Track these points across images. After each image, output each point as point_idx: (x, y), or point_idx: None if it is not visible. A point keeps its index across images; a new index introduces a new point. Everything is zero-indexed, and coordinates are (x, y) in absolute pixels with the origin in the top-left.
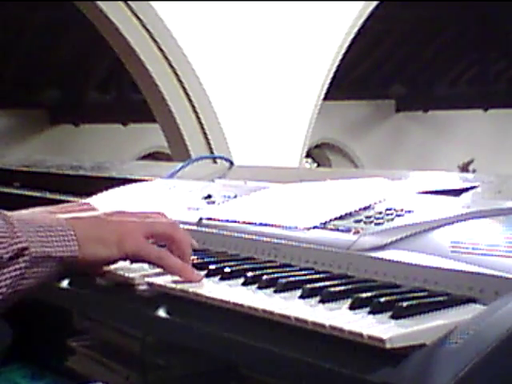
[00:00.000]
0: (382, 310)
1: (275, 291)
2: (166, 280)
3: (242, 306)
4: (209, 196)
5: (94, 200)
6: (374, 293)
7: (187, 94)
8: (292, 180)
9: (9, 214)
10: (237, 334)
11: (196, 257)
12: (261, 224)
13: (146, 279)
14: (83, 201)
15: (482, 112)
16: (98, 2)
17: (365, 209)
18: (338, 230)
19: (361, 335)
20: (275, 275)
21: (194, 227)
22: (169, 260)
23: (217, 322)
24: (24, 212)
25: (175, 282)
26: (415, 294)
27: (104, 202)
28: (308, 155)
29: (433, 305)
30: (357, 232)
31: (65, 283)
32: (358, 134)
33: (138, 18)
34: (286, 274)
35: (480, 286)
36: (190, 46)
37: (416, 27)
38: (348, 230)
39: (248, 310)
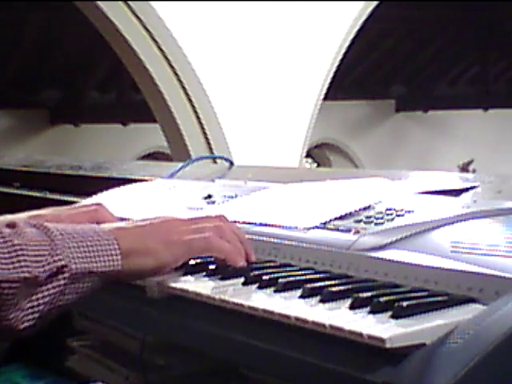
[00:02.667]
0: (382, 309)
1: (275, 291)
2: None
3: (242, 305)
4: (209, 196)
5: (94, 200)
6: (374, 293)
7: (187, 94)
8: (292, 180)
9: (51, 227)
10: (237, 334)
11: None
12: (261, 224)
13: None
14: (87, 200)
15: (482, 112)
16: (98, 2)
17: (365, 209)
18: (338, 229)
19: (361, 335)
20: (275, 275)
21: None
22: (218, 243)
23: (217, 321)
24: (65, 226)
25: (175, 281)
26: (415, 294)
27: (104, 202)
28: (308, 155)
29: (433, 305)
30: (357, 232)
31: None
32: (358, 133)
33: (138, 18)
34: (286, 273)
35: (480, 285)
36: (190, 46)
37: (416, 27)
38: (348, 230)
39: (248, 310)
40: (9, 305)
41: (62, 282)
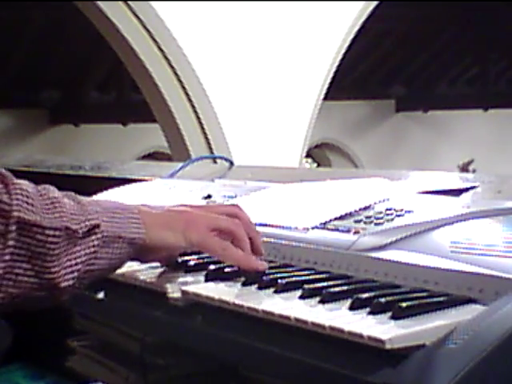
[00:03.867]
0: (382, 310)
1: (275, 291)
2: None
3: (241, 306)
4: (209, 196)
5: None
6: (374, 293)
7: (187, 94)
8: (292, 180)
9: (80, 197)
10: (237, 335)
11: (196, 257)
12: (261, 224)
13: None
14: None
15: (482, 112)
16: (98, 2)
17: (365, 209)
18: (337, 230)
19: (361, 336)
20: (275, 275)
21: None
22: (232, 251)
23: (217, 322)
24: (93, 199)
25: (172, 283)
26: (415, 295)
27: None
28: (308, 155)
29: (433, 305)
30: (357, 232)
31: None
32: (358, 134)
33: (138, 18)
34: (286, 274)
35: (480, 286)
36: (190, 46)
37: (416, 27)
38: (348, 230)
39: (248, 311)
40: (52, 255)
41: (96, 242)
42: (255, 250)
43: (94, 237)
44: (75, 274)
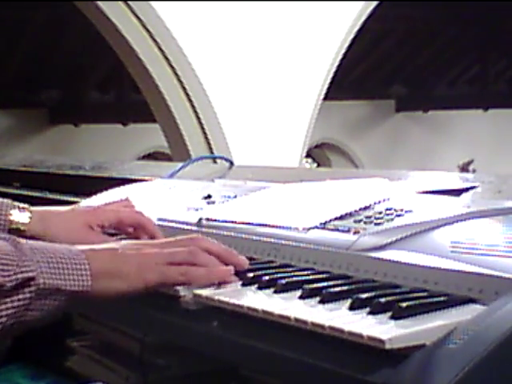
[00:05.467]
0: (382, 310)
1: (275, 291)
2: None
3: (241, 306)
4: (209, 196)
5: (93, 200)
6: (373, 293)
7: (187, 94)
8: (292, 180)
9: (22, 240)
10: (236, 335)
11: None
12: (261, 224)
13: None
14: (87, 201)
15: (481, 112)
16: (98, 2)
17: (365, 209)
18: (337, 230)
19: (361, 336)
20: (275, 275)
21: (194, 227)
22: (193, 272)
23: (217, 322)
24: (36, 242)
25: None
26: (415, 295)
27: (104, 202)
28: (308, 155)
29: (433, 305)
30: (357, 232)
31: None
32: (358, 133)
33: (138, 18)
34: (286, 274)
35: (480, 286)
36: (190, 46)
37: (416, 27)
38: (348, 230)
39: (248, 311)
40: None
41: (28, 295)
42: (228, 259)
43: (26, 289)
44: None
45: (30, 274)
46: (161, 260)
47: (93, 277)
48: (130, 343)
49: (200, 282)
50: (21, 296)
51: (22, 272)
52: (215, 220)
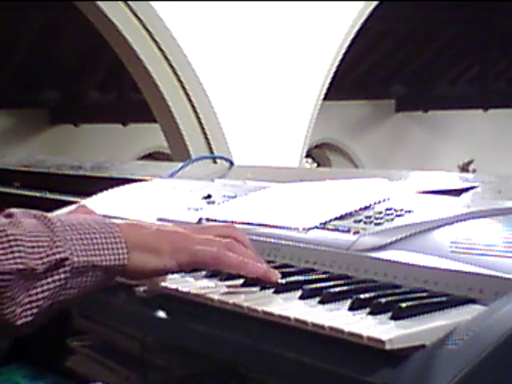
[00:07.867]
0: (382, 310)
1: (275, 291)
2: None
3: (241, 307)
4: (209, 196)
5: (94, 200)
6: (373, 293)
7: (187, 94)
8: (292, 180)
9: (53, 217)
10: (237, 335)
11: None
12: (261, 224)
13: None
14: (87, 201)
15: (481, 112)
16: (98, 2)
17: (365, 209)
18: (337, 230)
19: (361, 336)
20: None
21: None
22: (226, 258)
23: (217, 322)
24: (68, 217)
25: (175, 283)
26: (415, 295)
27: (104, 202)
28: (308, 155)
29: (433, 305)
30: (357, 232)
31: None
32: (358, 134)
33: (138, 18)
34: (286, 274)
35: (480, 286)
36: (190, 46)
37: (416, 27)
38: (348, 230)
39: (248, 311)
40: (3, 298)
41: (63, 275)
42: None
43: (61, 270)
44: (35, 310)
45: (63, 255)
46: (196, 245)
47: (128, 249)
48: (130, 343)
49: (230, 270)
50: (56, 277)
51: (54, 254)
52: (215, 220)
